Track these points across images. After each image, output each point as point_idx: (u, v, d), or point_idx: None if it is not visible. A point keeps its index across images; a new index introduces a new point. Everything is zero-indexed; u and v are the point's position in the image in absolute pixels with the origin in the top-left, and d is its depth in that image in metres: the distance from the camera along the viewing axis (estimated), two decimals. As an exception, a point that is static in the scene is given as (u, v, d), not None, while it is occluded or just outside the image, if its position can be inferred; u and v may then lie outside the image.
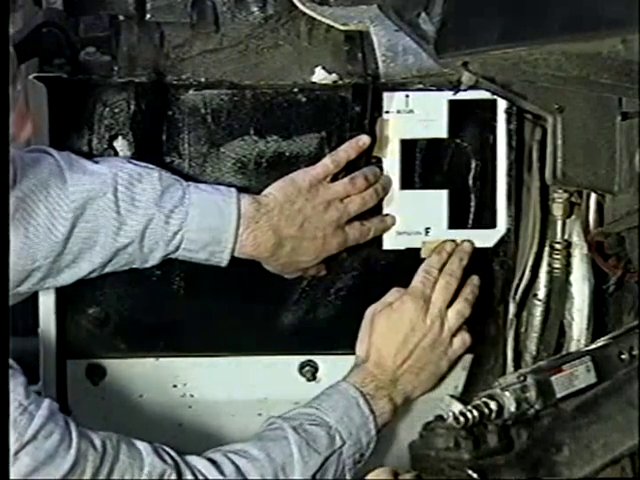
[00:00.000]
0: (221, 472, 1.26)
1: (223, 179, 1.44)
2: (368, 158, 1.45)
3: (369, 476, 1.17)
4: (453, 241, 1.46)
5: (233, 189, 1.39)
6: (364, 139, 1.42)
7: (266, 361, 1.48)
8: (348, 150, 1.42)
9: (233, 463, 1.28)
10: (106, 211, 1.33)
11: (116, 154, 1.41)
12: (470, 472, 1.13)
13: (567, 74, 1.16)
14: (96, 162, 1.36)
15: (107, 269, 1.37)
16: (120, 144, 1.41)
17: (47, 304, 1.44)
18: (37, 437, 1.14)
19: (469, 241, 1.47)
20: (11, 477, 1.11)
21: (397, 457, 1.25)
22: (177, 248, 1.36)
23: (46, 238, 1.31)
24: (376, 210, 1.46)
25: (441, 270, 1.44)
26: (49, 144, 1.39)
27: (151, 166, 1.38)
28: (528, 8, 1.04)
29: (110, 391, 1.47)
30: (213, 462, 1.27)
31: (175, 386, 1.49)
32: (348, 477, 1.36)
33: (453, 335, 1.44)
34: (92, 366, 1.48)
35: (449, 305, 1.44)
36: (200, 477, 1.24)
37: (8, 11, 1.17)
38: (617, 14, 0.90)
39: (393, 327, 1.43)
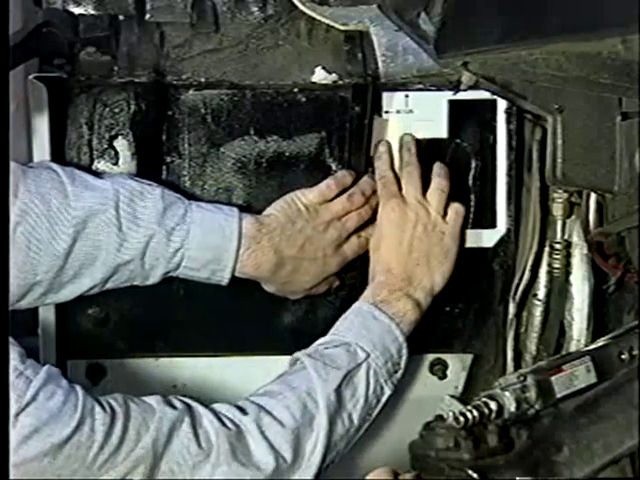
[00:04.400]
0: (244, 412, 1.27)
1: (223, 179, 1.44)
2: (368, 158, 1.45)
3: (369, 476, 1.17)
4: (386, 142, 1.45)
5: (235, 208, 1.39)
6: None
7: (266, 361, 1.48)
8: (351, 174, 1.44)
9: (254, 403, 1.28)
10: (108, 227, 1.33)
11: (116, 154, 1.41)
12: (470, 472, 1.13)
13: (567, 74, 1.15)
14: (99, 178, 1.37)
15: (108, 285, 1.38)
16: (120, 144, 1.41)
17: (47, 304, 1.44)
18: (37, 399, 1.13)
19: (407, 134, 1.44)
20: (12, 439, 1.10)
21: (397, 457, 1.25)
22: (178, 266, 1.37)
23: (47, 252, 1.31)
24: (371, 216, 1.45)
25: (393, 169, 1.43)
26: (49, 144, 1.39)
27: (153, 183, 1.38)
28: (528, 8, 1.04)
29: (110, 391, 1.45)
30: (237, 407, 1.28)
31: (175, 386, 1.49)
32: (387, 389, 1.34)
33: (445, 213, 1.43)
34: (92, 366, 1.48)
35: (425, 191, 1.43)
36: (223, 418, 1.24)
37: (8, 11, 1.17)
38: (617, 14, 0.90)
39: (385, 238, 1.42)
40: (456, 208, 1.44)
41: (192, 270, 1.38)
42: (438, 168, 1.44)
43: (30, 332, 1.47)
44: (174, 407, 1.23)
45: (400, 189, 1.43)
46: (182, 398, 1.26)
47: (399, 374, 1.36)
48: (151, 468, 1.18)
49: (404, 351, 1.36)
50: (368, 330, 1.35)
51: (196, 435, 1.22)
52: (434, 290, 1.42)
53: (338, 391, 1.30)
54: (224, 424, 1.24)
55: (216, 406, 1.27)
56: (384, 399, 1.35)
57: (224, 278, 1.39)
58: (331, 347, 1.34)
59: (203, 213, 1.37)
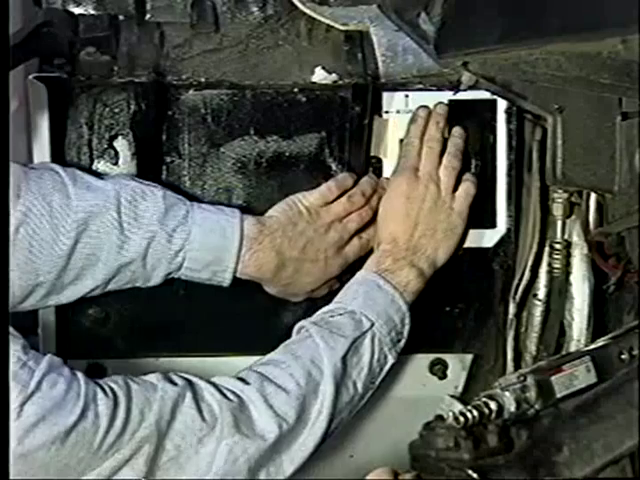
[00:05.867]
0: (246, 383, 1.27)
1: (223, 179, 1.44)
2: (368, 159, 1.45)
3: (369, 476, 1.17)
4: (425, 107, 1.44)
5: (237, 210, 1.39)
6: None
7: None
8: (352, 176, 1.44)
9: (257, 372, 1.29)
10: (109, 227, 1.33)
11: (116, 154, 1.41)
12: (470, 472, 1.13)
13: (567, 74, 1.16)
14: (100, 179, 1.37)
15: (110, 286, 1.37)
16: (120, 144, 1.41)
17: (47, 304, 1.44)
18: (41, 388, 1.13)
19: (441, 103, 1.44)
20: (17, 429, 1.10)
21: (397, 457, 1.25)
22: (180, 267, 1.36)
23: (49, 253, 1.31)
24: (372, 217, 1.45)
25: (421, 139, 1.43)
26: (49, 144, 1.39)
27: (155, 184, 1.38)
28: (528, 8, 1.04)
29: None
30: (239, 378, 1.28)
31: (175, 386, 1.49)
32: (390, 357, 1.35)
33: (454, 190, 1.43)
34: (92, 366, 1.47)
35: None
36: (225, 391, 1.24)
37: (8, 11, 1.17)
38: (617, 14, 0.90)
39: (392, 206, 1.43)
40: (467, 187, 1.44)
41: (194, 271, 1.38)
42: (451, 146, 1.44)
43: (30, 332, 1.46)
44: (175, 384, 1.23)
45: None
46: (182, 374, 1.26)
47: (402, 343, 1.37)
48: (156, 446, 1.18)
49: (407, 320, 1.37)
50: (372, 299, 1.36)
51: (199, 410, 1.22)
52: (437, 263, 1.42)
53: (344, 359, 1.30)
54: (226, 396, 1.24)
55: (217, 379, 1.27)
56: (387, 368, 1.35)
57: (225, 279, 1.39)
58: (336, 315, 1.35)
59: (204, 214, 1.37)
